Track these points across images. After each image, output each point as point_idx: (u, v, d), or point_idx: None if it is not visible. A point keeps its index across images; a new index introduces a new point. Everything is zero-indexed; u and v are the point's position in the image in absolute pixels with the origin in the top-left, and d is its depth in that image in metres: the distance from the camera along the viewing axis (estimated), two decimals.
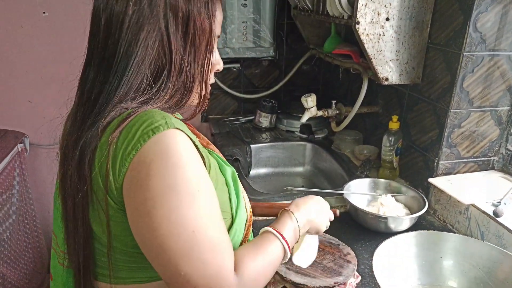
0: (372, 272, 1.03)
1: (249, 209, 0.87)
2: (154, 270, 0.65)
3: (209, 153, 0.79)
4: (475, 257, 0.77)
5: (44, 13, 1.88)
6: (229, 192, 0.79)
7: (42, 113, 2.02)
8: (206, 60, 0.72)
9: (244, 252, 0.70)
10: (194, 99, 0.75)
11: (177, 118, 0.68)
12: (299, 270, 1.00)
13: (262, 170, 1.84)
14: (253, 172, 1.82)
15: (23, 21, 1.87)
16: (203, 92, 0.74)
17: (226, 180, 0.79)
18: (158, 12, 0.65)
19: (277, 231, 0.75)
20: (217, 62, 0.78)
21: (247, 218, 0.84)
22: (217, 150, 0.90)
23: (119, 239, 0.66)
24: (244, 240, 0.81)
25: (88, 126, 0.65)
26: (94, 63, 0.68)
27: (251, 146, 1.80)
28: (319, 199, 0.93)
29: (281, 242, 0.74)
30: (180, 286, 0.60)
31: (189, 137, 0.64)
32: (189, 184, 0.61)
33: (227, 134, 1.87)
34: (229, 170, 0.82)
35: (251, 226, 0.86)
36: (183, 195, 0.60)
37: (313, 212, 0.87)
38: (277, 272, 0.99)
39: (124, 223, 0.64)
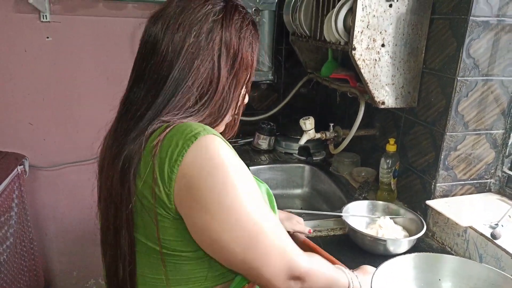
0: None
1: None
2: (194, 281, 0.72)
3: None
4: (474, 279, 0.77)
5: (47, 37, 1.92)
6: None
7: (43, 135, 2.04)
8: (241, 91, 0.81)
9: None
10: (222, 126, 0.83)
11: None
12: None
13: None
14: None
15: (27, 45, 1.91)
16: (234, 121, 0.86)
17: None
18: (213, 46, 0.73)
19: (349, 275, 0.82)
20: (246, 96, 0.88)
21: None
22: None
23: (168, 246, 0.69)
24: None
25: (131, 140, 0.70)
26: (145, 83, 0.73)
27: (250, 168, 1.81)
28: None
29: (349, 281, 0.80)
30: (258, 274, 0.67)
31: (227, 143, 0.70)
32: (239, 182, 0.66)
33: None
34: (263, 186, 0.86)
35: None
36: (233, 188, 0.65)
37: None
38: None
39: (170, 228, 0.68)
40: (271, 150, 2.01)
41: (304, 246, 1.14)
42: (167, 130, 0.67)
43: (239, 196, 0.67)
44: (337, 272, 0.80)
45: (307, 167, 1.89)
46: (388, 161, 1.44)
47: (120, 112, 0.77)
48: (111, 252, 0.72)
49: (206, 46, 0.73)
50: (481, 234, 1.11)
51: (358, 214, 1.34)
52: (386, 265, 0.79)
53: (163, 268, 0.70)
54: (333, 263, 0.98)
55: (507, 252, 1.03)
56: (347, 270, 0.83)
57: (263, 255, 0.67)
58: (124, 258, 0.70)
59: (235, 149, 1.89)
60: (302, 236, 1.22)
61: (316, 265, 0.73)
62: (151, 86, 0.73)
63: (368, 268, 0.92)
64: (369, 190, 1.58)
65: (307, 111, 2.18)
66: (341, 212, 1.29)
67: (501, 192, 1.32)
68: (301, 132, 1.63)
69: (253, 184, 0.71)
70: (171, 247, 0.70)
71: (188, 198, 0.66)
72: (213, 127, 0.76)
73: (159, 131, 0.68)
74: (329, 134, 1.65)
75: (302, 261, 0.69)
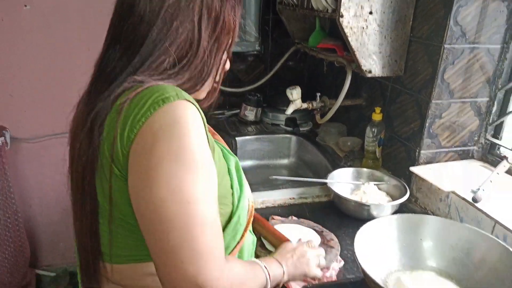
0: (355, 257, 1.05)
1: (252, 200, 0.89)
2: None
3: (214, 142, 0.80)
4: (454, 239, 0.79)
5: (26, 6, 1.85)
6: (231, 180, 0.80)
7: (23, 107, 1.99)
8: (223, 57, 0.77)
9: (234, 258, 0.74)
10: (202, 93, 0.78)
11: None
12: None
13: (248, 163, 1.85)
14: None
15: (3, 14, 1.83)
16: (213, 87, 0.79)
17: (229, 169, 0.81)
18: (194, 7, 0.70)
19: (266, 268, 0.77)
20: (227, 62, 0.83)
21: (248, 208, 0.86)
22: (222, 140, 0.91)
23: (120, 209, 0.67)
24: (246, 230, 0.83)
25: (102, 99, 0.67)
26: (121, 44, 0.70)
27: (237, 139, 1.81)
28: (298, 248, 0.89)
29: (266, 277, 0.75)
30: (166, 260, 0.59)
31: (199, 113, 0.65)
32: (193, 155, 0.61)
33: (213, 127, 1.87)
34: (233, 159, 0.84)
35: (252, 216, 0.88)
36: (185, 163, 0.60)
37: (292, 266, 0.84)
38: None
39: (126, 193, 0.64)
40: (258, 122, 2.01)
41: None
42: (139, 90, 0.64)
43: (187, 173, 0.60)
44: (256, 271, 0.76)
45: (293, 138, 1.89)
46: (373, 129, 1.45)
47: (94, 75, 0.73)
48: (79, 215, 0.70)
49: (186, 7, 0.70)
50: (463, 199, 1.14)
51: (343, 181, 1.35)
52: (368, 226, 0.80)
53: (109, 226, 0.68)
54: (280, 239, 0.99)
55: (487, 215, 1.06)
56: (263, 265, 0.78)
57: (189, 251, 0.58)
58: (86, 216, 0.69)
59: (222, 121, 1.89)
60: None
61: (234, 269, 0.67)
62: (127, 47, 0.69)
63: (287, 246, 0.90)
64: (355, 159, 1.59)
65: (294, 82, 2.16)
66: (327, 179, 1.30)
67: (483, 159, 1.35)
68: (288, 103, 1.63)
69: (212, 171, 0.65)
70: (123, 211, 0.67)
71: (137, 163, 0.61)
72: (193, 93, 0.73)
73: (131, 90, 0.65)
74: (316, 104, 1.64)
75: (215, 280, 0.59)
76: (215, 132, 0.91)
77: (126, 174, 0.63)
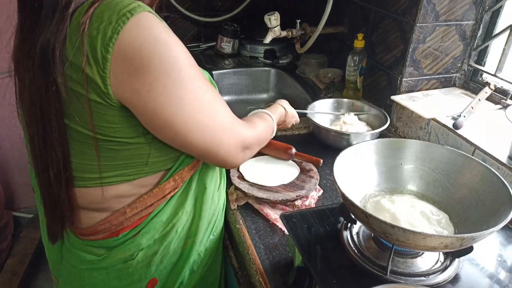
0: (334, 186, 1.04)
1: None
2: (133, 166, 0.69)
3: None
4: (435, 161, 0.77)
5: None
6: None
7: None
8: None
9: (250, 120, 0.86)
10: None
11: None
12: (261, 187, 1.00)
13: (225, 98, 1.78)
14: None
15: None
16: None
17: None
18: None
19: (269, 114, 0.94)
20: None
21: None
22: None
23: (101, 132, 0.64)
24: None
25: (47, 25, 0.59)
26: None
27: (213, 72, 1.72)
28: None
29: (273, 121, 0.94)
30: (206, 153, 0.70)
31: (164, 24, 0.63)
32: (185, 59, 0.63)
33: None
34: (206, 74, 0.79)
35: None
36: (183, 69, 0.62)
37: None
38: (239, 189, 0.98)
39: (106, 115, 0.62)
40: (235, 54, 1.91)
41: None
42: (95, 5, 0.59)
43: (191, 74, 0.64)
44: (266, 122, 0.91)
45: (272, 71, 1.81)
46: (355, 58, 1.38)
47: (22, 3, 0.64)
48: (41, 143, 0.65)
49: None
50: (443, 125, 1.12)
51: (322, 111, 1.31)
52: (348, 151, 0.77)
53: (97, 154, 0.66)
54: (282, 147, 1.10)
55: (467, 141, 1.05)
56: (270, 112, 0.96)
57: (217, 137, 0.69)
58: (53, 147, 0.64)
59: (197, 54, 1.80)
60: None
61: (257, 130, 0.83)
62: None
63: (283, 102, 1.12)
64: (335, 90, 1.55)
65: (274, 10, 2.04)
66: (306, 110, 1.26)
67: (465, 86, 1.32)
68: (267, 33, 1.53)
69: (197, 65, 0.67)
70: (108, 134, 0.64)
71: (131, 80, 0.59)
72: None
73: (83, 7, 0.59)
74: (296, 32, 1.55)
75: (249, 132, 0.77)
76: None
77: (110, 99, 0.60)
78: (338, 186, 0.67)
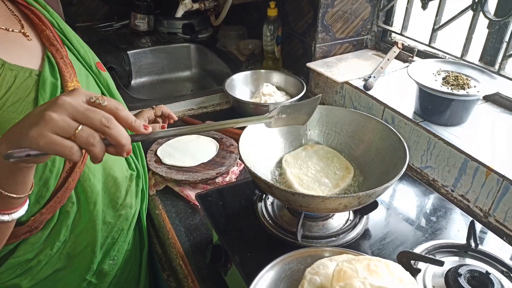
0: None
1: None
2: None
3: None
4: (339, 124, 0.79)
5: None
6: None
7: None
8: None
9: None
10: None
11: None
12: (180, 168, 0.97)
13: (145, 79, 1.70)
14: (135, 81, 1.67)
15: None
16: None
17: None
18: None
19: None
20: None
21: None
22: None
23: None
24: (68, 173, 0.67)
25: None
26: None
27: (128, 52, 1.62)
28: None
29: None
30: None
31: None
32: None
33: (99, 42, 1.65)
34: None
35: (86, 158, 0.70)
36: None
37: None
38: (157, 173, 0.95)
39: None
40: (152, 31, 1.82)
41: None
42: None
43: None
44: None
45: (192, 46, 1.75)
46: (270, 27, 1.37)
47: None
48: None
49: None
50: (355, 88, 1.15)
51: (240, 84, 1.29)
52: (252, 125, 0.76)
53: None
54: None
55: (377, 100, 1.09)
56: None
57: None
58: None
59: (111, 34, 1.60)
60: None
61: None
62: None
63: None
64: (256, 62, 1.53)
65: None
66: (224, 85, 1.23)
67: (376, 47, 1.36)
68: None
69: None
70: None
71: None
72: None
73: None
74: (208, 4, 1.50)
75: None
76: (62, 46, 0.70)
77: None
78: (242, 160, 0.66)
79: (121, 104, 0.49)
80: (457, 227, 0.75)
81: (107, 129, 0.45)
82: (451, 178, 0.93)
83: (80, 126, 0.45)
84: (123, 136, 0.47)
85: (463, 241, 0.67)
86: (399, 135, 0.70)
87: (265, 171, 0.76)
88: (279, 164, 0.78)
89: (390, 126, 0.72)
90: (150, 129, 0.51)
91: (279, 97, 1.23)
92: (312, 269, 0.60)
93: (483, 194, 0.86)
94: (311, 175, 0.73)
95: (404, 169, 0.62)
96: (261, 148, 0.76)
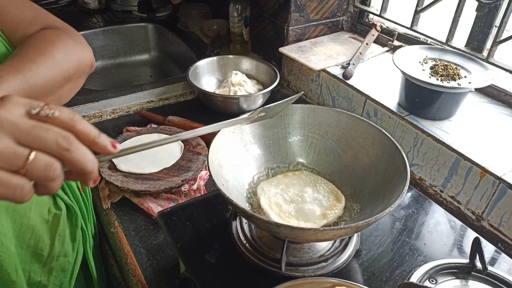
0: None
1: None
2: None
3: None
4: (324, 126, 0.68)
5: None
6: None
7: None
8: None
9: None
10: None
11: None
12: (139, 176, 0.84)
13: (98, 63, 1.51)
14: None
15: None
16: None
17: None
18: None
19: None
20: None
21: None
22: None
23: None
24: None
25: None
26: None
27: (80, 33, 1.43)
28: None
29: None
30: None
31: None
32: None
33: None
34: None
35: None
36: None
37: None
38: (112, 183, 0.81)
39: None
40: (103, 9, 1.62)
41: None
42: None
43: None
44: None
45: (150, 26, 1.58)
46: (237, 6, 1.22)
47: None
48: None
49: None
50: (334, 76, 1.04)
51: (206, 74, 1.16)
52: (225, 132, 0.64)
53: None
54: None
55: (357, 91, 0.99)
56: None
57: None
58: None
59: (56, 12, 1.44)
60: None
61: None
62: None
63: None
64: (222, 45, 1.39)
65: None
66: (188, 74, 1.09)
67: (353, 29, 1.25)
68: None
69: None
70: None
71: None
72: None
73: None
74: None
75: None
76: None
77: None
78: (214, 181, 0.54)
79: (75, 113, 0.34)
80: (452, 237, 0.68)
81: (67, 153, 0.32)
82: (440, 178, 0.85)
83: (33, 154, 0.31)
84: (89, 160, 0.34)
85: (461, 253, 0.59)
86: (395, 141, 0.60)
87: (241, 183, 0.65)
88: (259, 179, 0.67)
89: (384, 131, 0.62)
90: (119, 147, 0.37)
91: (250, 87, 1.10)
92: None
93: (476, 196, 0.79)
94: (293, 204, 0.62)
95: (406, 188, 0.52)
96: (236, 157, 0.64)
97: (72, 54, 0.56)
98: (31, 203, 0.57)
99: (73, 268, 0.66)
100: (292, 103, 0.62)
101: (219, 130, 0.63)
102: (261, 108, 0.54)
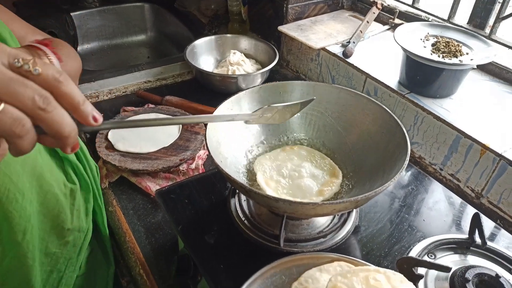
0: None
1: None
2: None
3: None
4: (324, 103, 0.67)
5: None
6: None
7: None
8: None
9: None
10: None
11: None
12: (137, 156, 0.83)
13: (94, 44, 1.49)
14: (82, 47, 1.46)
15: None
16: None
17: None
18: None
19: None
20: None
21: None
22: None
23: None
24: None
25: None
26: None
27: (72, 14, 1.40)
28: None
29: None
30: None
31: None
32: None
33: (34, 3, 1.42)
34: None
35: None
36: None
37: None
38: (109, 162, 0.81)
39: None
40: None
41: None
42: None
43: None
44: None
45: (147, 6, 1.55)
46: None
47: None
48: None
49: None
50: (333, 55, 1.03)
51: (204, 53, 1.14)
52: (225, 105, 0.63)
53: None
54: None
55: (357, 69, 0.97)
56: None
57: None
58: None
59: None
60: None
61: None
62: None
63: None
64: (220, 24, 1.36)
65: None
66: (185, 53, 1.07)
67: (353, 8, 1.23)
68: None
69: None
70: None
71: None
72: None
73: None
74: None
75: None
76: None
77: None
78: (212, 157, 0.54)
79: (62, 72, 0.32)
80: (451, 214, 0.68)
81: (42, 112, 0.30)
82: (440, 156, 0.85)
83: (2, 106, 0.29)
84: (66, 123, 0.31)
85: (461, 231, 0.59)
86: (396, 117, 0.59)
87: (239, 160, 0.64)
88: (258, 154, 0.66)
89: (384, 107, 0.61)
90: (101, 119, 0.35)
91: (249, 66, 1.09)
92: (299, 284, 0.50)
93: (475, 174, 0.79)
94: (290, 179, 0.61)
95: (406, 163, 0.52)
96: (235, 134, 0.63)
97: (78, 56, 0.63)
98: (51, 173, 0.56)
99: (82, 244, 0.66)
100: (289, 81, 0.61)
101: (217, 107, 0.62)
102: (267, 106, 0.51)
